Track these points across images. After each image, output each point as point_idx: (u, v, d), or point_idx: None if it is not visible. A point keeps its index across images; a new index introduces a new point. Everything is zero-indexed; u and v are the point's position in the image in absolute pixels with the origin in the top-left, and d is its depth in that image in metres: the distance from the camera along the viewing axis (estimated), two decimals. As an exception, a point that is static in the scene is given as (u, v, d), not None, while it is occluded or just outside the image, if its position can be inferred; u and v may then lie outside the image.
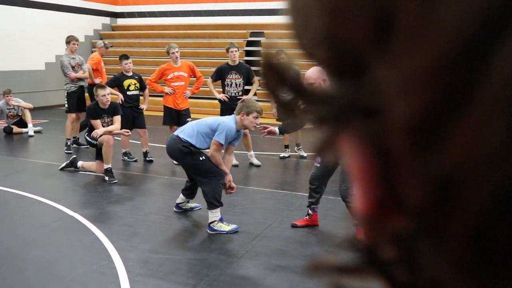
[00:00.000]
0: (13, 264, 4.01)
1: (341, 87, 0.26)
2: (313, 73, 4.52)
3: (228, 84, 7.58)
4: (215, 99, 7.73)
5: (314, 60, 0.28)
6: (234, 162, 7.38)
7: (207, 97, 13.66)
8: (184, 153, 4.79)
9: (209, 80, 7.75)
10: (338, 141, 0.26)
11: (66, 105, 8.76)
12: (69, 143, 8.76)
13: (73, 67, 8.59)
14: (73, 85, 8.63)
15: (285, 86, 0.29)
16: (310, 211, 4.97)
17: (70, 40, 8.65)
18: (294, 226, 4.97)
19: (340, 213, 4.89)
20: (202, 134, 4.82)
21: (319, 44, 0.26)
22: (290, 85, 0.29)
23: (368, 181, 0.24)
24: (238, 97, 7.52)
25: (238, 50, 7.67)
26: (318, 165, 4.79)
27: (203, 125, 4.87)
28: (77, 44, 8.75)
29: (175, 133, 5.01)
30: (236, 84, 7.57)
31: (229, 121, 4.83)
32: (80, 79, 8.73)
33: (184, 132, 4.89)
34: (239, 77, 7.57)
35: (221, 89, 7.83)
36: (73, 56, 8.68)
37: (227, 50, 7.61)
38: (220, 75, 7.64)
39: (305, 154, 8.24)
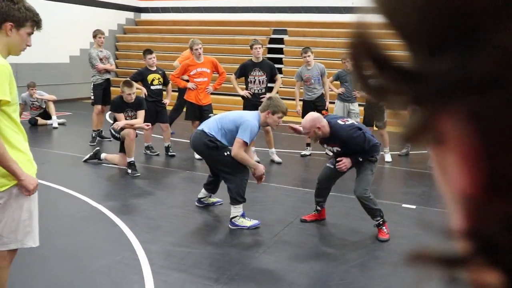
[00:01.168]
0: (38, 253, 4.08)
1: (443, 62, 0.23)
2: (306, 123, 4.49)
3: (251, 81, 7.60)
4: (238, 95, 7.75)
5: (409, 37, 0.25)
6: (256, 158, 7.41)
7: (230, 94, 13.70)
8: (210, 148, 4.81)
9: (233, 76, 7.78)
10: (437, 122, 0.24)
11: (92, 97, 8.89)
12: (94, 135, 8.88)
13: (100, 59, 8.71)
14: (100, 78, 8.74)
15: (378, 67, 0.26)
16: (318, 207, 5.08)
17: (96, 33, 8.77)
18: (303, 221, 5.04)
19: (362, 212, 4.87)
20: (227, 130, 4.83)
21: (421, 17, 0.23)
22: (383, 65, 0.26)
23: (479, 163, 0.23)
24: (261, 94, 7.54)
25: (262, 47, 7.67)
26: (332, 166, 4.81)
27: (228, 120, 4.87)
28: (103, 38, 8.87)
29: (200, 127, 5.01)
30: (259, 81, 7.58)
31: (253, 118, 4.83)
32: (107, 72, 8.84)
33: (209, 126, 4.90)
34: (263, 74, 7.57)
35: (244, 86, 7.86)
36: (101, 50, 8.81)
37: (251, 47, 7.63)
38: (244, 71, 7.66)
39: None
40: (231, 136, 4.81)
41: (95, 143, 8.65)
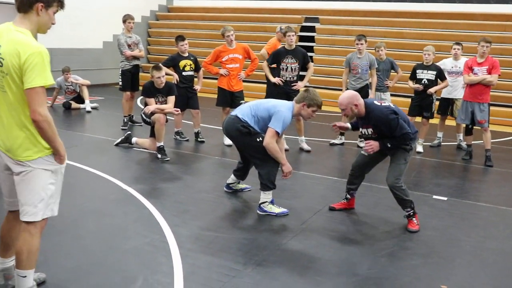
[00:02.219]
0: (71, 232, 4.18)
1: None
2: (343, 99, 4.47)
3: (283, 68, 7.54)
4: (269, 83, 7.71)
5: None
6: (285, 146, 7.40)
7: (260, 81, 13.66)
8: (243, 133, 4.81)
9: (265, 63, 7.74)
10: None
11: (120, 83, 8.96)
12: (125, 120, 8.99)
13: (129, 46, 8.75)
14: (128, 64, 8.79)
15: None
16: (348, 195, 5.06)
17: (126, 19, 8.80)
18: (332, 209, 5.03)
19: (391, 202, 4.81)
20: (260, 117, 4.81)
21: None
22: None
23: None
24: (292, 82, 7.49)
25: (296, 34, 7.60)
26: (366, 154, 4.76)
27: (262, 108, 4.84)
28: (133, 23, 8.85)
29: (233, 113, 4.99)
30: (291, 69, 7.52)
31: (287, 109, 4.78)
32: (135, 58, 8.87)
33: (243, 112, 4.89)
34: (295, 61, 7.51)
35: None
36: (130, 35, 8.83)
37: (284, 34, 7.57)
38: (276, 58, 7.61)
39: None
40: (264, 124, 4.79)
41: (126, 128, 8.77)
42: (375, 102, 4.57)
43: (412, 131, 4.55)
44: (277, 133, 4.69)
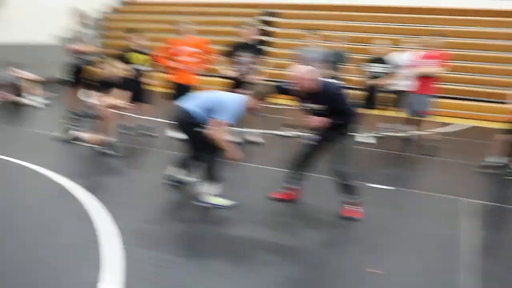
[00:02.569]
0: (4, 229, 4.09)
1: None
2: (301, 72, 4.61)
3: (239, 62, 7.60)
4: (225, 77, 7.74)
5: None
6: (236, 139, 7.44)
7: (217, 75, 13.66)
8: (189, 123, 4.82)
9: (221, 56, 7.77)
10: None
11: (65, 78, 8.79)
12: (72, 115, 8.83)
13: (77, 40, 8.53)
14: (77, 58, 8.58)
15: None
16: (292, 186, 5.14)
17: (74, 13, 8.61)
18: (273, 199, 5.12)
19: (332, 191, 4.91)
20: (207, 108, 4.81)
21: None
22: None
23: None
24: (248, 74, 7.53)
25: (252, 28, 7.66)
26: (309, 143, 4.90)
27: (209, 99, 4.86)
28: (83, 17, 8.62)
29: (182, 103, 5.00)
30: (246, 62, 7.57)
31: (236, 101, 4.83)
32: (83, 53, 8.65)
33: (190, 103, 4.90)
34: (251, 55, 7.57)
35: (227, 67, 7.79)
36: (80, 29, 8.60)
37: (242, 27, 7.66)
38: (233, 51, 7.66)
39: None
40: (211, 115, 4.81)
41: (74, 123, 8.62)
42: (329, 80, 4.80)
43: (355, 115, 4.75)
44: (224, 123, 4.72)
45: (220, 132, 4.73)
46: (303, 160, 5.03)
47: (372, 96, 8.14)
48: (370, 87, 8.13)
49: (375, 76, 8.05)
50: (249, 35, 7.55)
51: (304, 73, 4.60)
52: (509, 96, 6.97)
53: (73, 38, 8.50)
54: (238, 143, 7.30)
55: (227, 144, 4.82)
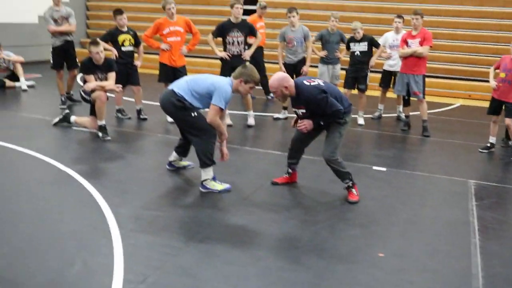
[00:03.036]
0: (4, 217, 4.02)
1: None
2: (273, 82, 4.50)
3: (229, 42, 7.44)
4: (213, 58, 7.61)
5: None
6: (229, 122, 7.37)
7: (205, 56, 13.47)
8: (177, 108, 4.72)
9: (210, 36, 7.60)
10: None
11: (51, 61, 8.56)
12: (63, 98, 8.66)
13: (55, 20, 8.26)
14: (57, 39, 8.35)
15: None
16: (289, 170, 5.12)
17: None
18: (274, 183, 5.09)
19: (332, 175, 4.89)
20: (197, 93, 4.72)
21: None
22: None
23: None
24: (240, 55, 7.39)
25: (243, 6, 7.46)
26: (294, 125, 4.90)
27: (199, 85, 4.74)
28: None
29: (170, 86, 4.88)
30: (238, 42, 7.43)
31: (226, 84, 4.72)
32: (65, 33, 8.38)
33: (179, 86, 4.79)
34: (241, 35, 7.42)
35: (222, 48, 7.64)
36: (57, 8, 8.32)
37: (232, 6, 7.42)
38: (222, 32, 7.49)
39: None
40: (201, 99, 4.73)
41: (65, 106, 8.46)
42: (305, 82, 4.57)
43: (345, 105, 4.62)
44: (221, 109, 4.66)
45: (217, 118, 4.65)
46: (298, 145, 4.98)
47: (361, 77, 8.08)
48: (355, 67, 8.06)
49: (359, 55, 7.96)
50: (240, 14, 7.37)
51: (275, 81, 4.53)
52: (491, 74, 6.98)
53: (52, 18, 8.21)
54: (229, 125, 7.25)
55: (223, 130, 4.75)
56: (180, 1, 15.01)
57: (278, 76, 4.56)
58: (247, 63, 5.06)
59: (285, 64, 8.03)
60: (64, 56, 8.53)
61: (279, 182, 5.10)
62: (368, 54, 8.00)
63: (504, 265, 3.58)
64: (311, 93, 4.45)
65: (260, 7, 9.89)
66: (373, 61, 8.07)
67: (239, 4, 7.33)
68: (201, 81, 4.79)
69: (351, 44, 8.04)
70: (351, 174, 4.74)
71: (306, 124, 4.57)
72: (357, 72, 8.05)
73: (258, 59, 8.64)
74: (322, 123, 4.58)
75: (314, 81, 4.59)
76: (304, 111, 4.62)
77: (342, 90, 8.34)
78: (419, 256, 3.67)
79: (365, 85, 8.09)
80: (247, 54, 7.49)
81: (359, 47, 7.96)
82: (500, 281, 3.34)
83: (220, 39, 7.58)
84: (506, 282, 3.34)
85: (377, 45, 8.04)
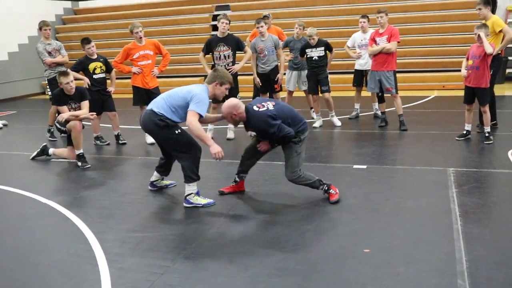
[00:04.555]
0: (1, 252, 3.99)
1: None
2: (224, 109, 4.63)
3: (216, 57, 7.52)
4: (186, 76, 7.65)
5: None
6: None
7: (177, 75, 13.51)
8: (160, 127, 4.72)
9: (200, 54, 7.68)
10: None
11: (49, 93, 8.53)
12: (52, 130, 8.60)
13: (49, 53, 8.30)
14: (52, 71, 8.35)
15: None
16: (237, 178, 5.15)
17: (41, 26, 8.43)
18: (221, 193, 5.12)
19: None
20: (176, 106, 4.71)
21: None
22: None
23: None
24: (228, 69, 7.42)
25: (229, 22, 7.53)
26: (251, 136, 4.96)
27: (176, 96, 4.75)
28: (49, 29, 8.46)
29: (149, 107, 4.87)
30: (224, 56, 7.49)
31: (202, 90, 4.73)
32: (59, 65, 8.42)
33: (158, 105, 4.79)
34: (227, 48, 7.49)
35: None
36: (49, 42, 8.40)
37: (218, 21, 7.52)
38: (209, 48, 7.57)
39: None
40: (182, 112, 4.70)
41: (56, 138, 8.43)
42: (255, 108, 4.61)
43: (299, 125, 4.69)
44: (199, 114, 4.61)
45: (196, 121, 4.59)
46: (252, 153, 5.04)
47: (322, 79, 8.12)
48: (313, 70, 8.11)
49: (317, 60, 8.00)
50: (225, 29, 7.42)
51: (226, 108, 4.62)
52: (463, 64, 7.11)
53: (46, 51, 8.25)
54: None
55: (204, 135, 4.69)
56: (148, 24, 15.12)
57: (229, 103, 4.64)
58: (218, 67, 5.10)
59: (258, 74, 8.10)
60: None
61: (225, 191, 5.13)
62: (325, 58, 8.05)
63: (486, 247, 3.64)
64: (260, 120, 4.54)
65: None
66: (329, 66, 8.19)
67: (225, 19, 7.43)
68: (176, 93, 4.80)
69: (308, 50, 8.03)
70: (321, 179, 4.79)
71: (263, 146, 4.78)
72: (317, 75, 8.09)
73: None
74: (277, 144, 4.76)
75: (264, 106, 4.62)
76: (254, 133, 4.72)
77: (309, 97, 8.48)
78: (404, 247, 3.71)
79: (327, 86, 8.14)
80: (236, 67, 7.55)
81: (316, 53, 7.98)
82: (483, 263, 3.39)
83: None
84: (488, 263, 3.39)
85: (331, 49, 8.10)
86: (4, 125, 10.20)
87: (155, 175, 5.38)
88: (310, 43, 7.96)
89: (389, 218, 4.30)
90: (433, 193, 4.86)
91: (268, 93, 8.47)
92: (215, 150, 4.60)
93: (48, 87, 8.55)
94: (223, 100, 4.94)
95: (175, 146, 4.80)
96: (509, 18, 12.61)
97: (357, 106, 8.98)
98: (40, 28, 8.46)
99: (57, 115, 7.01)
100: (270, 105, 4.64)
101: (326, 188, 4.76)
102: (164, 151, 5.18)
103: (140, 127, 5.02)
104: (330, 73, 8.43)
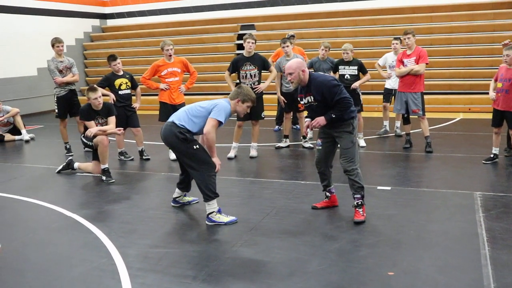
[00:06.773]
0: (13, 267, 4.02)
1: None
2: (293, 63, 4.63)
3: (243, 76, 7.60)
4: (210, 94, 7.73)
5: None
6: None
7: (203, 93, 13.63)
8: (180, 140, 4.76)
9: (226, 73, 7.77)
10: None
11: (56, 110, 8.67)
12: (67, 146, 8.74)
13: (60, 71, 8.39)
14: (62, 89, 8.44)
15: None
16: (327, 193, 5.11)
17: (53, 42, 8.42)
18: (314, 208, 5.10)
19: (338, 198, 4.88)
20: (198, 117, 4.78)
21: None
22: None
23: None
24: (254, 88, 7.49)
25: (256, 41, 7.63)
26: (320, 147, 4.90)
27: (198, 107, 4.83)
28: (62, 46, 8.43)
29: (170, 119, 4.93)
30: (251, 75, 7.57)
31: (225, 103, 4.83)
32: (69, 83, 8.52)
33: (179, 117, 4.85)
34: (254, 67, 7.56)
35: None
36: (61, 59, 8.46)
37: (244, 40, 7.64)
38: (235, 66, 7.65)
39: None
40: (202, 122, 4.75)
41: (72, 154, 8.53)
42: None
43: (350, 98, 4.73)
44: (219, 122, 4.68)
45: (214, 131, 4.68)
46: (323, 164, 5.00)
47: (354, 99, 8.09)
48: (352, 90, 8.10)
49: (349, 79, 7.97)
50: (252, 48, 7.51)
51: (294, 63, 4.67)
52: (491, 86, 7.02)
53: (57, 69, 8.37)
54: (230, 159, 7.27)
55: (214, 149, 4.80)
56: (174, 42, 15.30)
57: (297, 60, 4.75)
58: (242, 84, 5.14)
59: (282, 93, 8.13)
60: (68, 104, 8.61)
61: (318, 207, 5.11)
62: (358, 79, 8.02)
63: (517, 273, 3.54)
64: (323, 81, 4.63)
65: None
66: (358, 84, 8.00)
67: (251, 39, 7.53)
68: (199, 105, 4.89)
69: (340, 67, 8.06)
70: (364, 190, 4.74)
71: (318, 121, 4.70)
72: (349, 94, 8.05)
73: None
74: (333, 115, 4.62)
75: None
76: (310, 99, 4.72)
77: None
78: (429, 272, 3.63)
79: (360, 105, 8.11)
80: (262, 86, 7.61)
81: (349, 71, 7.98)
82: (514, 290, 3.30)
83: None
84: (519, 290, 3.30)
85: (365, 71, 8.06)
86: (32, 138, 10.39)
87: (177, 192, 5.40)
88: (343, 58, 7.97)
89: (414, 241, 4.22)
90: (459, 217, 4.77)
91: (292, 112, 8.47)
92: (218, 162, 4.88)
93: (56, 104, 8.60)
94: (245, 118, 4.99)
95: (190, 161, 4.81)
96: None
97: (385, 123, 9.01)
98: (52, 45, 8.42)
99: (83, 130, 7.11)
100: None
101: (360, 203, 4.71)
102: (183, 167, 5.20)
103: (162, 141, 5.06)
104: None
